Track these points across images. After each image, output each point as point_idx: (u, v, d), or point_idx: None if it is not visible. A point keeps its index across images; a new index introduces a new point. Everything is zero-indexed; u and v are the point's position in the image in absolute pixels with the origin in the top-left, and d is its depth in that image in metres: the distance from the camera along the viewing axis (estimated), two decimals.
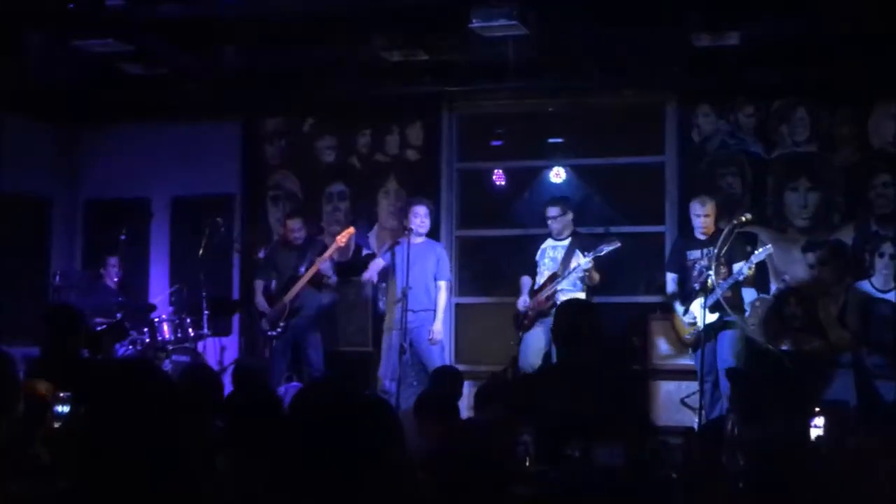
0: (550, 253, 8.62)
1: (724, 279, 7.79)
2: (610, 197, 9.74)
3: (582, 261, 8.31)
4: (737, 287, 7.95)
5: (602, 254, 8.21)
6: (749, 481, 3.64)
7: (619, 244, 8.26)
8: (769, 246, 8.05)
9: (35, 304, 9.24)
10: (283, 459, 2.57)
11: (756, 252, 7.89)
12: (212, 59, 8.93)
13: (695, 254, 8.03)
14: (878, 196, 8.86)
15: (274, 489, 2.61)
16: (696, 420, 7.61)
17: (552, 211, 8.58)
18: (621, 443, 4.03)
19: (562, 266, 8.46)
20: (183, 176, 10.37)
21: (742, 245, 8.00)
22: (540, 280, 8.57)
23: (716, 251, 7.77)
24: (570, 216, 8.61)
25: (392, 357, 8.57)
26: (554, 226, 8.57)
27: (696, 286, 7.86)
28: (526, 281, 8.68)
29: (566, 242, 8.56)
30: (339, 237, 9.05)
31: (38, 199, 10.45)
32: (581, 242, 8.54)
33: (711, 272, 7.71)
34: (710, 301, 7.72)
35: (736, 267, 7.80)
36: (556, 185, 9.60)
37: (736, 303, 7.93)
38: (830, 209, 8.97)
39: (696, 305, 7.84)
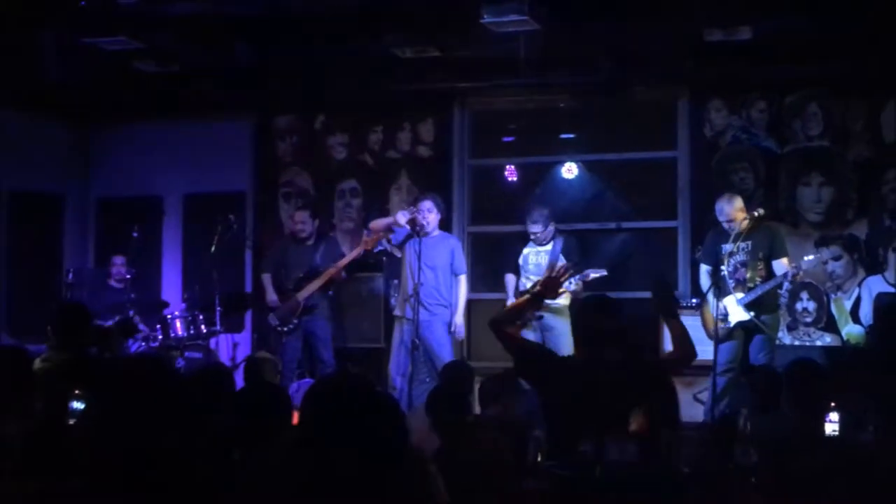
0: (533, 259, 8.60)
1: (762, 278, 7.68)
2: (622, 192, 9.72)
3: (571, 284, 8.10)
4: (774, 288, 7.80)
5: (588, 279, 8.14)
6: (762, 476, 3.63)
7: (605, 272, 8.16)
8: (820, 254, 8.04)
9: (48, 302, 9.25)
10: (294, 454, 2.58)
11: (807, 259, 7.77)
12: (224, 56, 8.94)
13: (728, 247, 7.77)
14: (892, 191, 8.83)
15: (285, 483, 2.61)
16: (705, 414, 7.57)
17: (535, 227, 8.51)
18: (633, 438, 4.02)
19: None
20: (195, 173, 10.40)
21: (782, 242, 7.89)
22: (526, 284, 8.54)
23: (751, 246, 7.71)
24: (552, 228, 8.56)
25: (401, 352, 8.54)
26: (537, 238, 8.56)
27: (732, 282, 7.69)
28: (510, 279, 8.68)
29: (549, 247, 8.55)
30: (366, 240, 8.97)
31: (51, 197, 10.49)
32: (566, 247, 8.51)
33: (747, 269, 7.65)
34: (748, 299, 7.65)
35: (778, 268, 7.67)
36: (566, 181, 9.58)
37: (772, 303, 7.86)
38: (844, 204, 8.93)
39: (731, 301, 7.68)
